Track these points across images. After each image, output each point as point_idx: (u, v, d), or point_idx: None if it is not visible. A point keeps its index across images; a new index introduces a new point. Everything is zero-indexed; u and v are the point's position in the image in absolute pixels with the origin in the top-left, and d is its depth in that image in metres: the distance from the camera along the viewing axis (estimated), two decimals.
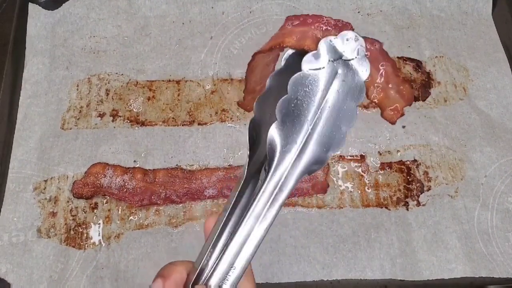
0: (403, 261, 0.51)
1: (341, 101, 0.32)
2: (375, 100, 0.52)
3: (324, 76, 0.32)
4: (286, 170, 0.32)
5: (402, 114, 0.54)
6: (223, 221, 0.32)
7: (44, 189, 0.55)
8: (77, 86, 0.61)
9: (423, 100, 0.60)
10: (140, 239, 0.53)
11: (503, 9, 0.67)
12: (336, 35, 0.33)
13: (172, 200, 0.54)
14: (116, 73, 0.62)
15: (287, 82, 0.32)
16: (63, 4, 0.65)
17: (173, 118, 0.59)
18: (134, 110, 0.60)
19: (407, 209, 0.54)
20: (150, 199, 0.53)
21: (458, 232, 0.53)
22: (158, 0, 0.66)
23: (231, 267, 0.31)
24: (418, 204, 0.54)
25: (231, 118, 0.59)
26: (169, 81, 0.62)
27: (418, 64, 0.63)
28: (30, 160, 0.56)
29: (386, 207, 0.54)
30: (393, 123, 0.55)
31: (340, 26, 0.38)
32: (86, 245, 0.52)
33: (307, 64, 0.32)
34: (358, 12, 0.67)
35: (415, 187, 0.55)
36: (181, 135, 0.58)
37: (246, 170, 0.33)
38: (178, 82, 0.61)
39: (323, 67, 0.32)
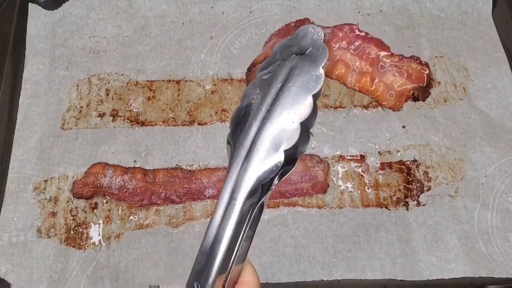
0: (403, 261, 0.51)
1: (292, 96, 0.31)
2: (356, 88, 0.50)
3: (276, 76, 0.32)
4: (236, 177, 0.30)
5: (414, 98, 0.52)
6: None
7: (44, 189, 0.55)
8: (77, 86, 0.61)
9: (423, 100, 0.60)
10: (140, 239, 0.53)
11: (503, 9, 0.67)
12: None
13: (172, 200, 0.54)
14: (116, 73, 0.62)
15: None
16: (63, 4, 0.65)
17: (173, 118, 0.59)
18: (134, 110, 0.60)
19: (407, 209, 0.54)
20: (150, 199, 0.53)
21: (458, 232, 0.53)
22: (158, 0, 0.66)
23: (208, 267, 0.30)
24: (418, 204, 0.54)
25: None
26: (169, 81, 0.62)
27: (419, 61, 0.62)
28: (30, 160, 0.56)
29: (386, 207, 0.54)
30: (396, 109, 0.53)
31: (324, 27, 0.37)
32: (86, 245, 0.52)
33: (260, 70, 0.32)
34: (358, 12, 0.67)
35: (415, 187, 0.55)
36: (181, 135, 0.58)
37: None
38: (178, 82, 0.61)
39: (273, 71, 0.32)
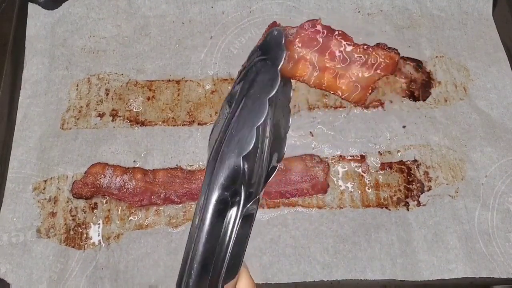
0: (403, 261, 0.51)
1: (251, 101, 0.31)
2: (320, 86, 0.48)
3: (244, 82, 0.32)
4: (206, 184, 0.30)
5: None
6: None
7: (43, 189, 0.55)
8: (77, 86, 0.61)
9: (424, 100, 0.60)
10: (139, 239, 0.53)
11: (503, 9, 0.67)
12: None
13: (171, 200, 0.53)
14: (116, 73, 0.62)
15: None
16: (63, 4, 0.65)
17: (173, 118, 0.59)
18: (134, 110, 0.60)
19: (408, 209, 0.54)
20: (150, 200, 0.53)
21: (459, 232, 0.53)
22: (157, 0, 0.66)
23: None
24: (419, 204, 0.54)
25: None
26: (169, 81, 0.61)
27: (418, 64, 0.62)
28: (30, 160, 0.56)
29: (387, 207, 0.54)
30: (361, 103, 0.51)
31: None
32: (86, 245, 0.52)
33: (235, 82, 0.33)
34: (358, 12, 0.66)
35: (416, 187, 0.55)
36: (181, 135, 0.58)
37: None
38: (178, 82, 0.61)
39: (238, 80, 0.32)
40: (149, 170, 0.55)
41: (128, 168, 0.55)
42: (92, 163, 0.56)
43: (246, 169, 0.30)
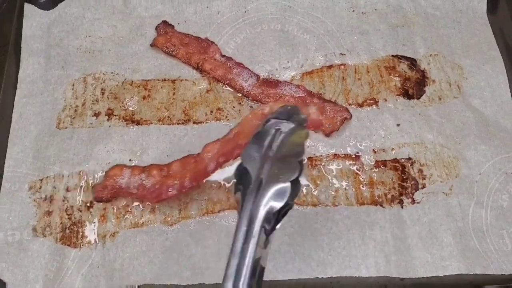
0: (397, 258, 0.51)
1: (288, 143, 0.39)
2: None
3: (268, 133, 0.39)
4: (251, 208, 0.35)
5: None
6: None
7: (39, 188, 0.55)
8: (73, 85, 0.61)
9: (418, 98, 0.60)
10: (135, 237, 0.53)
11: (503, 9, 0.67)
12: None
13: (184, 187, 0.52)
14: (112, 73, 0.62)
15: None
16: (59, 5, 0.66)
17: (168, 117, 0.59)
18: (130, 109, 0.60)
19: (402, 207, 0.54)
20: (167, 193, 0.52)
21: (453, 230, 0.53)
22: (153, 0, 0.67)
23: None
24: (413, 201, 0.55)
25: (226, 117, 0.59)
26: (164, 80, 0.62)
27: (412, 62, 0.63)
28: (26, 159, 0.56)
29: (381, 205, 0.54)
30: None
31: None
32: (82, 244, 0.52)
33: (253, 137, 0.39)
34: (353, 10, 0.67)
35: (410, 184, 0.55)
36: (176, 134, 0.58)
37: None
38: (173, 81, 0.62)
39: (263, 134, 0.39)
40: (164, 164, 0.55)
41: (145, 166, 0.55)
42: (111, 166, 0.55)
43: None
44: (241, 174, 0.37)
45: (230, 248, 0.34)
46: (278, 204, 0.35)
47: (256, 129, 0.41)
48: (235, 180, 0.38)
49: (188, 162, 0.54)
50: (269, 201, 0.35)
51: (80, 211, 0.54)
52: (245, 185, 0.36)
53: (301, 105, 0.48)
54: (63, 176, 0.56)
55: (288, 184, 0.36)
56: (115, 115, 0.59)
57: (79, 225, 0.53)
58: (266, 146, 0.38)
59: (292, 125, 0.40)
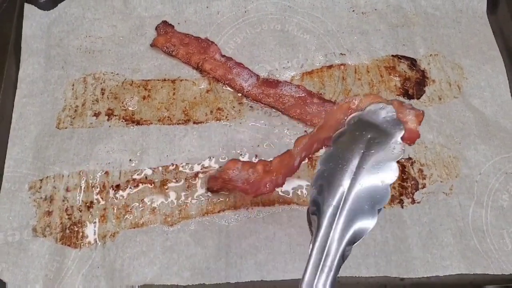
0: (398, 258, 0.52)
1: (377, 160, 0.35)
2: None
3: (353, 143, 0.35)
4: (332, 235, 0.34)
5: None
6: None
7: (39, 188, 0.55)
8: (73, 85, 0.61)
9: (418, 98, 0.60)
10: (135, 237, 0.53)
11: (503, 9, 0.67)
12: (363, 110, 0.37)
13: (278, 184, 0.52)
14: (112, 73, 0.62)
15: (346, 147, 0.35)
16: (59, 5, 0.66)
17: (168, 117, 0.59)
18: (130, 109, 0.60)
19: (402, 207, 0.54)
20: (264, 188, 0.52)
21: (453, 230, 0.53)
22: (153, 0, 0.66)
23: None
24: (413, 201, 0.55)
25: (226, 117, 0.59)
26: (164, 80, 0.62)
27: (412, 62, 0.63)
28: (26, 159, 0.56)
29: None
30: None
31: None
32: (82, 244, 0.52)
33: (336, 140, 0.36)
34: (353, 10, 0.67)
35: (410, 184, 0.55)
36: (177, 134, 0.58)
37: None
38: (173, 81, 0.62)
39: (350, 139, 0.36)
40: (270, 160, 0.52)
41: (254, 162, 0.52)
42: (229, 159, 0.54)
43: None
44: (322, 184, 0.35)
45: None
46: (360, 235, 0.34)
47: (339, 126, 0.37)
48: (313, 190, 0.36)
49: (285, 158, 0.53)
50: (351, 230, 0.34)
51: (80, 211, 0.54)
52: (324, 198, 0.34)
53: (397, 105, 0.39)
54: (63, 176, 0.56)
55: (374, 220, 0.33)
56: (115, 115, 0.59)
57: (79, 225, 0.53)
58: (351, 166, 0.35)
59: (386, 141, 0.35)
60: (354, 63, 0.63)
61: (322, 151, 0.43)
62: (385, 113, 0.37)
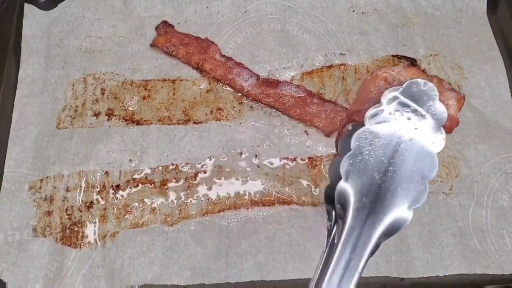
0: (398, 258, 0.51)
1: (416, 151, 0.31)
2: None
3: (391, 127, 0.31)
4: (361, 230, 0.31)
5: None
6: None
7: (39, 188, 0.55)
8: (73, 85, 0.61)
9: None
10: (135, 237, 0.53)
11: (503, 9, 0.67)
12: (402, 85, 0.32)
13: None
14: (112, 73, 0.62)
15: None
16: (59, 5, 0.66)
17: (168, 117, 0.59)
18: (130, 109, 0.60)
19: None
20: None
21: (453, 230, 0.53)
22: (153, 0, 0.66)
23: None
24: None
25: (226, 117, 0.59)
26: (164, 80, 0.62)
27: (412, 62, 0.63)
28: (26, 159, 0.56)
29: None
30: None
31: None
32: (82, 244, 0.52)
33: (370, 118, 0.32)
34: (353, 10, 0.67)
35: None
36: (176, 134, 0.58)
37: (327, 239, 0.33)
38: (173, 81, 0.62)
39: (388, 119, 0.31)
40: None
41: None
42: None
43: None
44: (353, 170, 0.31)
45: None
46: (399, 225, 0.31)
47: (371, 100, 0.33)
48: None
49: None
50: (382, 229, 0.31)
51: (80, 211, 0.54)
52: (356, 188, 0.31)
53: (437, 83, 0.35)
54: (63, 176, 0.56)
55: (409, 215, 0.31)
56: (115, 115, 0.59)
57: (79, 225, 0.53)
58: (387, 154, 0.31)
59: (427, 129, 0.31)
60: (354, 63, 0.63)
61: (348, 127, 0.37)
62: (427, 93, 0.32)
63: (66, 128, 0.58)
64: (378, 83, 0.36)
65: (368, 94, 0.36)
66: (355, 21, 0.66)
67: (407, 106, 0.32)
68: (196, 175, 0.56)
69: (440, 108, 0.32)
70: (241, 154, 0.57)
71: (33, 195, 0.55)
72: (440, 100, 0.32)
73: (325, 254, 0.34)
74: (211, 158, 0.57)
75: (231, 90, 0.61)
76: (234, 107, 0.60)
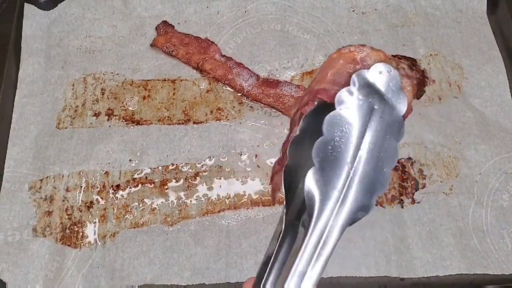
0: (398, 258, 0.51)
1: (380, 140, 0.31)
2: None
3: (360, 113, 0.31)
4: (329, 220, 0.30)
5: None
6: (264, 277, 0.31)
7: (39, 188, 0.55)
8: (73, 85, 0.61)
9: (418, 98, 0.60)
10: (135, 237, 0.53)
11: (503, 9, 0.67)
12: (369, 68, 0.32)
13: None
14: (112, 73, 0.62)
15: (321, 122, 0.31)
16: (59, 5, 0.66)
17: (168, 117, 0.59)
18: (130, 109, 0.60)
19: (402, 207, 0.54)
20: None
21: (453, 229, 0.53)
22: (153, 0, 0.66)
23: None
24: (413, 201, 0.55)
25: (226, 117, 0.59)
26: (164, 80, 0.62)
27: (413, 62, 0.62)
28: (26, 159, 0.56)
29: (381, 205, 0.54)
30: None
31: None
32: (82, 244, 0.52)
33: (340, 102, 0.31)
34: (353, 10, 0.67)
35: (410, 184, 0.55)
36: (177, 134, 0.58)
37: (284, 220, 0.32)
38: (173, 81, 0.62)
39: (357, 104, 0.31)
40: None
41: None
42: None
43: None
44: (325, 158, 0.30)
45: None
46: (362, 215, 0.31)
47: (340, 83, 0.33)
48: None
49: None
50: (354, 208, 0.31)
51: (80, 211, 0.54)
52: (327, 178, 0.30)
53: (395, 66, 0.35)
54: (63, 176, 0.56)
55: (373, 203, 0.31)
56: (115, 115, 0.59)
57: (79, 225, 0.53)
58: (357, 142, 0.30)
59: (390, 118, 0.31)
60: None
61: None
62: (391, 79, 0.32)
63: (66, 128, 0.59)
64: (346, 63, 0.35)
65: (336, 73, 0.36)
66: (355, 21, 0.66)
67: (375, 92, 0.32)
68: (196, 175, 0.56)
69: (402, 97, 0.32)
70: (241, 154, 0.57)
71: (33, 195, 0.55)
72: (404, 88, 0.33)
73: (277, 247, 0.33)
74: (211, 158, 0.57)
75: (231, 90, 0.61)
76: (234, 107, 0.60)
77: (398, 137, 0.31)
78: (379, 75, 0.32)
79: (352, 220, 0.31)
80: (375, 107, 0.31)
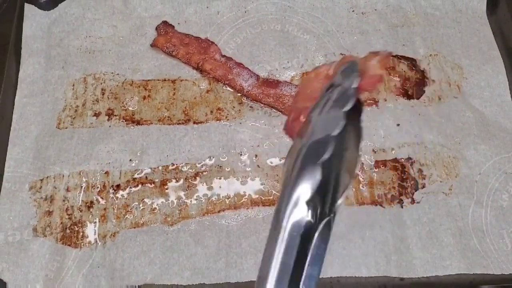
0: (398, 258, 0.52)
1: (346, 139, 0.32)
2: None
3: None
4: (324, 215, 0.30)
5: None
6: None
7: (40, 188, 0.55)
8: (73, 85, 0.61)
9: (418, 98, 0.60)
10: (135, 237, 0.53)
11: (503, 9, 0.67)
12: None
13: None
14: (112, 73, 0.62)
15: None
16: (59, 5, 0.66)
17: (168, 117, 0.59)
18: (130, 109, 0.60)
19: (402, 207, 0.54)
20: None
21: (453, 229, 0.53)
22: (153, 1, 0.67)
23: None
24: (413, 201, 0.55)
25: (226, 117, 0.59)
26: (165, 80, 0.62)
27: (412, 62, 0.63)
28: (26, 159, 0.57)
29: (381, 205, 0.54)
30: None
31: None
32: (82, 243, 0.53)
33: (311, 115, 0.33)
34: (353, 11, 0.67)
35: (410, 184, 0.56)
36: (177, 134, 0.58)
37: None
38: (173, 81, 0.62)
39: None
40: None
41: None
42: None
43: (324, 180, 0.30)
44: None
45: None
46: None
47: (317, 96, 0.34)
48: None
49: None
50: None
51: (81, 211, 0.54)
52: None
53: (368, 58, 0.36)
54: (63, 176, 0.56)
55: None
56: (115, 115, 0.59)
57: (80, 225, 0.53)
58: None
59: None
60: None
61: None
62: (354, 71, 0.34)
63: (66, 128, 0.59)
64: (320, 79, 0.37)
65: (312, 90, 0.37)
66: (355, 21, 0.66)
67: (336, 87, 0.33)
68: (196, 175, 0.56)
69: (355, 70, 0.33)
70: (241, 154, 0.57)
71: (33, 195, 0.55)
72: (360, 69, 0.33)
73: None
74: (211, 158, 0.57)
75: (231, 90, 0.61)
76: (234, 107, 0.60)
77: (343, 106, 0.32)
78: (343, 74, 0.34)
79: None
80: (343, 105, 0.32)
